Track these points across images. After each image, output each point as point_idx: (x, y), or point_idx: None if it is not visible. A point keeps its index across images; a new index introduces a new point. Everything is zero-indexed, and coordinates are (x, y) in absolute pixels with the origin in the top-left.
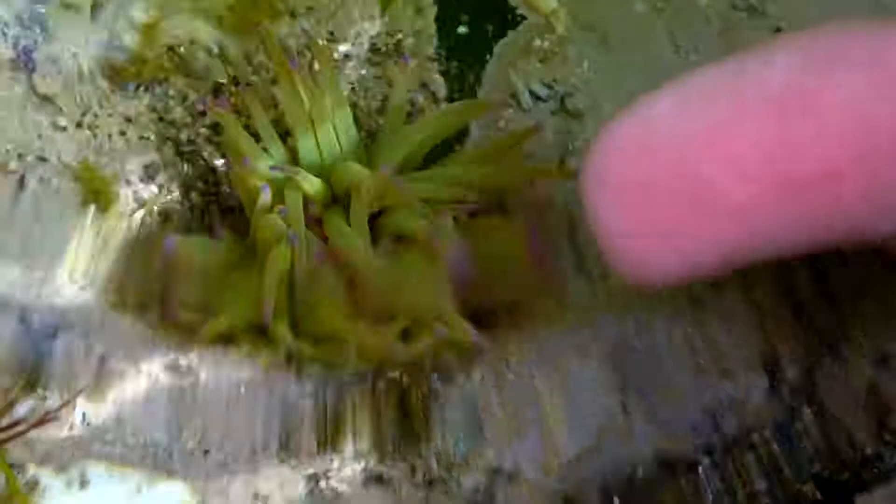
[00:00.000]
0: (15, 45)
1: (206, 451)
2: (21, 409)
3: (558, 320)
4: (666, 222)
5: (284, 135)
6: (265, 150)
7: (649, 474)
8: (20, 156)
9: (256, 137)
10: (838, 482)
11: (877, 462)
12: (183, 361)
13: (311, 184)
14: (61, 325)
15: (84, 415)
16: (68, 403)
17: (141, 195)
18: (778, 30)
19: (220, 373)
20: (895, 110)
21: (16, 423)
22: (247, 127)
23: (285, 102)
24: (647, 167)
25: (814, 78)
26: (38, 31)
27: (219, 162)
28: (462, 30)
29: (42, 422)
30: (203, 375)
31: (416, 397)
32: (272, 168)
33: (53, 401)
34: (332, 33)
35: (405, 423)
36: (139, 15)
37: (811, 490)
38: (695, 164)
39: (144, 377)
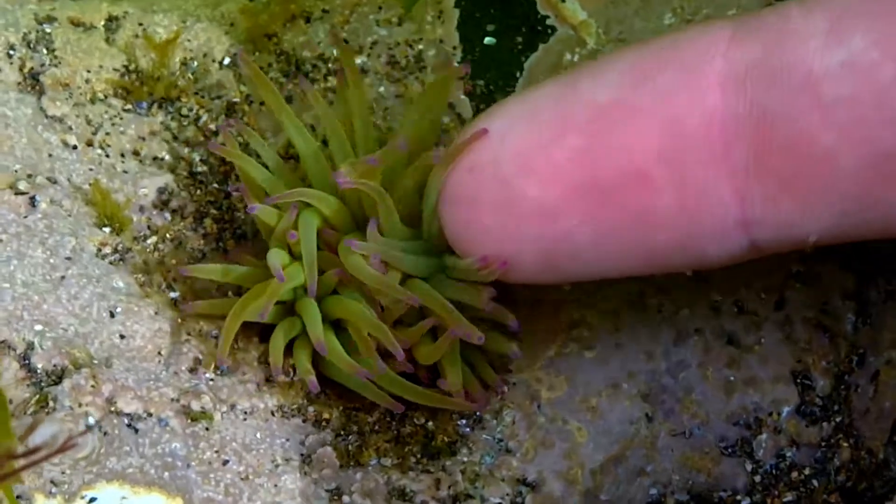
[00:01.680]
0: (21, 68)
1: (226, 462)
2: (41, 436)
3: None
4: (491, 229)
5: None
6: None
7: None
8: (30, 176)
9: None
10: (858, 491)
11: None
12: (196, 405)
13: (328, 204)
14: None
15: (99, 425)
16: (90, 430)
17: (155, 222)
18: None
19: (237, 418)
20: (699, 112)
21: (35, 450)
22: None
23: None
24: (475, 184)
25: (632, 91)
26: (44, 52)
27: (232, 187)
28: (489, 40)
29: (63, 449)
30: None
31: (442, 441)
32: (292, 209)
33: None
34: (346, 41)
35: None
36: (160, 31)
37: (837, 500)
38: (512, 176)
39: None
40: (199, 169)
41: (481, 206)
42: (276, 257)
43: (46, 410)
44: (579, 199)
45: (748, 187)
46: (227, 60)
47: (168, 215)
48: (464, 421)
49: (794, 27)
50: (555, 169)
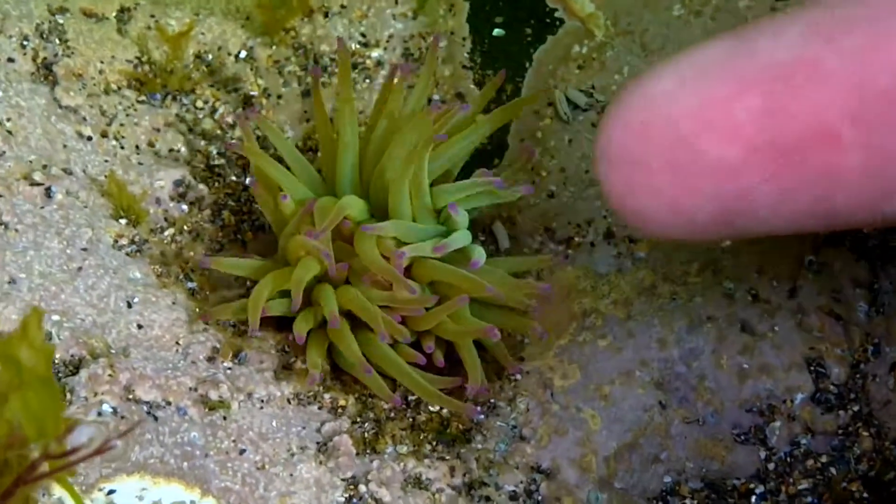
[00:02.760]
0: (34, 58)
1: (243, 451)
2: (80, 436)
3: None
4: (665, 187)
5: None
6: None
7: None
8: (45, 167)
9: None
10: (885, 481)
11: None
12: (214, 395)
13: (353, 205)
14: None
15: (115, 409)
16: (130, 431)
17: (172, 213)
18: None
19: (254, 406)
20: (892, 71)
21: (74, 450)
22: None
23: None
24: (645, 143)
25: (815, 46)
26: (57, 42)
27: (249, 179)
28: (497, 32)
29: (100, 451)
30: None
31: (457, 429)
32: (313, 235)
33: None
34: (363, 35)
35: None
36: (173, 22)
37: (858, 489)
38: (689, 134)
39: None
40: (217, 162)
41: (652, 167)
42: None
43: (64, 403)
44: (761, 157)
45: None
46: (242, 54)
47: (185, 207)
48: (478, 408)
49: None
50: (736, 126)
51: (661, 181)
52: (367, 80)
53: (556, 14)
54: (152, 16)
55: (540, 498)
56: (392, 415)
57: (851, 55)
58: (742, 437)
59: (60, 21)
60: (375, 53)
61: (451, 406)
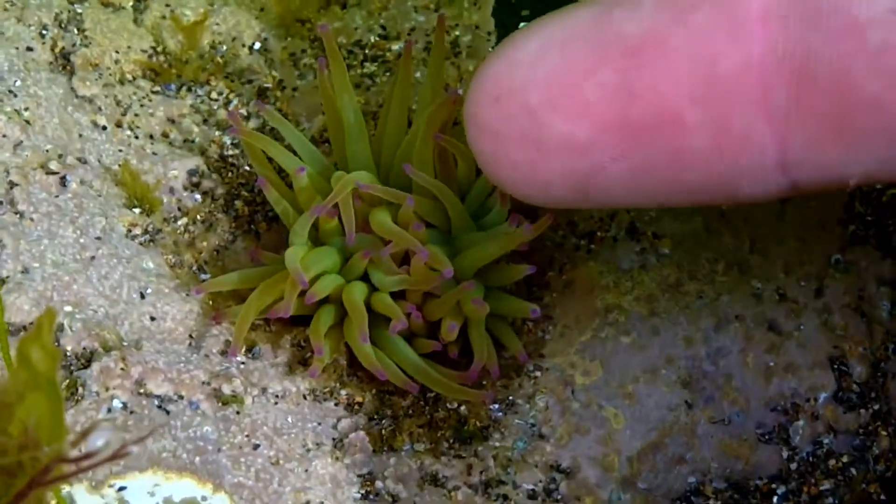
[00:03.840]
0: (53, 47)
1: (257, 446)
2: (96, 439)
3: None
4: (520, 159)
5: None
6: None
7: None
8: (60, 156)
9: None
10: None
11: None
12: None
13: (362, 179)
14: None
15: (126, 404)
16: (148, 437)
17: (185, 203)
18: None
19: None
20: (737, 48)
21: (89, 455)
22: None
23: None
24: (503, 115)
25: (666, 27)
26: (75, 31)
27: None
28: (524, 25)
29: (116, 457)
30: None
31: (475, 426)
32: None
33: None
34: (383, 27)
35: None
36: (188, 12)
37: (876, 491)
38: (541, 108)
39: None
40: (230, 152)
41: (508, 139)
42: (294, 255)
43: (76, 397)
44: (611, 137)
45: (789, 130)
46: (257, 45)
47: (199, 197)
48: (496, 406)
49: None
50: (586, 104)
51: (516, 154)
52: (388, 73)
53: None
54: (168, 5)
55: (559, 497)
56: (410, 411)
57: (697, 34)
58: (766, 437)
59: (79, 10)
60: (396, 46)
61: (464, 396)
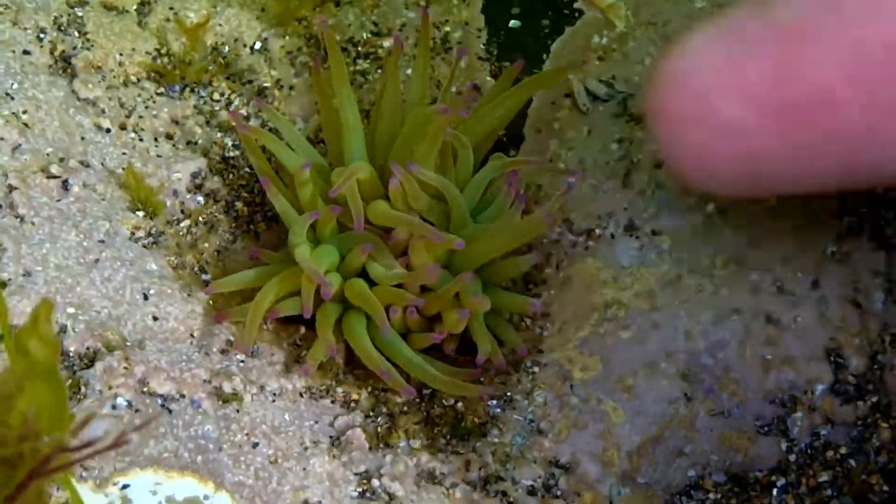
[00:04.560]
0: (52, 51)
1: (256, 445)
2: (96, 429)
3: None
4: (696, 142)
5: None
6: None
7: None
8: (62, 160)
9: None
10: None
11: None
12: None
13: (364, 172)
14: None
15: (130, 402)
16: (145, 426)
17: (188, 206)
18: None
19: (265, 399)
20: (888, 31)
21: (88, 444)
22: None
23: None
24: (679, 99)
25: (819, 8)
26: (76, 35)
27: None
28: (513, 23)
29: (116, 445)
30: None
31: (472, 422)
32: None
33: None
34: (375, 24)
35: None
36: (191, 15)
37: (878, 482)
38: (708, 94)
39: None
40: (231, 154)
41: (687, 123)
42: (306, 254)
43: (79, 396)
44: (771, 118)
45: None
46: (257, 45)
47: (201, 199)
48: (494, 402)
49: None
50: (747, 88)
51: (689, 135)
52: (380, 70)
53: (576, 5)
54: (171, 8)
55: (559, 493)
56: (405, 409)
57: (850, 17)
58: (765, 429)
59: (80, 14)
60: (388, 43)
61: (462, 391)
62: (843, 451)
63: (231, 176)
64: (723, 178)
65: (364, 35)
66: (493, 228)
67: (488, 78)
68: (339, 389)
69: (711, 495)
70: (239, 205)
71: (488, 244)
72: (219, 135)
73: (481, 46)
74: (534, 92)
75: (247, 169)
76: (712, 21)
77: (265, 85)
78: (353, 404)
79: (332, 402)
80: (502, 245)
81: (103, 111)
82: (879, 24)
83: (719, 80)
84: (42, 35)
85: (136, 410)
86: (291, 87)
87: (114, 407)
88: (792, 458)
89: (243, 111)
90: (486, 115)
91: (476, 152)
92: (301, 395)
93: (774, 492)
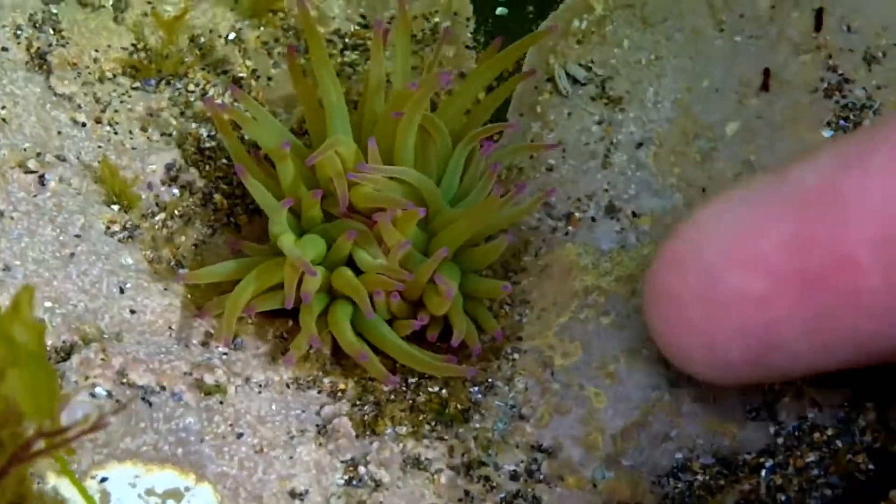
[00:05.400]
0: (28, 48)
1: (240, 435)
2: (74, 413)
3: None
4: (697, 318)
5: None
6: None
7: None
8: (39, 154)
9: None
10: (891, 452)
11: None
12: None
13: (346, 146)
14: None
15: (110, 392)
16: (124, 408)
17: (163, 198)
18: (820, 9)
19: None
20: None
21: (67, 428)
22: None
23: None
24: (680, 277)
25: (842, 174)
26: (51, 32)
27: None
28: (500, 11)
29: (95, 428)
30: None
31: (455, 409)
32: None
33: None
34: (363, 16)
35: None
36: (169, 8)
37: (864, 461)
38: (716, 265)
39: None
40: (207, 145)
41: (685, 300)
42: (290, 243)
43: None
44: (786, 287)
45: None
46: (231, 35)
47: (176, 191)
48: (476, 388)
49: None
50: (760, 256)
51: (694, 315)
52: (368, 62)
53: None
54: (149, 2)
55: (542, 477)
56: (392, 397)
57: (873, 179)
58: (752, 413)
59: (55, 11)
60: None
61: (446, 372)
62: (829, 432)
63: (208, 167)
64: (728, 359)
65: (351, 27)
66: (469, 209)
67: (474, 65)
68: (326, 380)
69: (699, 477)
70: (217, 197)
71: (464, 223)
72: (194, 126)
73: (469, 35)
74: (501, 69)
75: (224, 160)
76: (722, 194)
77: (240, 75)
78: (339, 394)
79: (319, 391)
80: (478, 220)
81: (79, 106)
82: None
83: (727, 252)
84: (19, 32)
85: (117, 401)
86: (270, 78)
87: (93, 395)
88: (780, 441)
89: (219, 101)
90: (458, 96)
91: (461, 133)
92: (288, 386)
93: (763, 472)
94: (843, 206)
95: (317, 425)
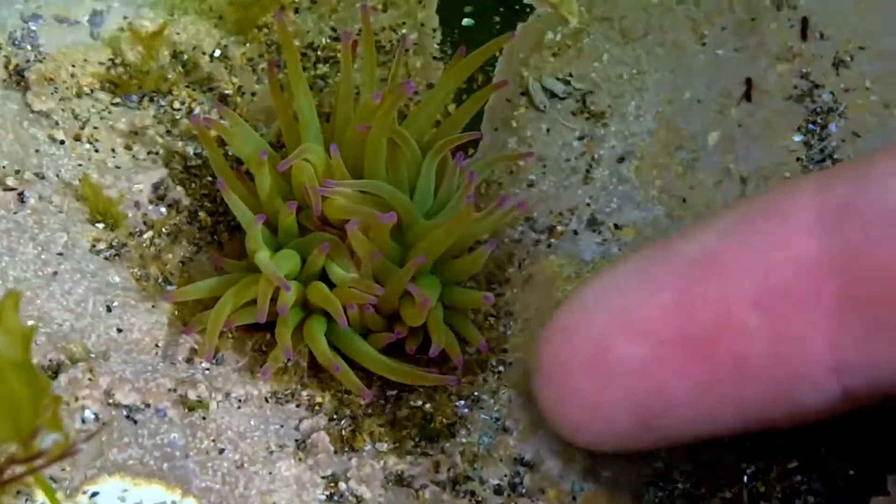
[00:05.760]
0: (6, 65)
1: (222, 451)
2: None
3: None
4: (586, 386)
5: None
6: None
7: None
8: (17, 172)
9: None
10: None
11: None
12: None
13: (317, 154)
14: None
15: (97, 416)
16: (94, 436)
17: (150, 217)
18: (804, 19)
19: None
20: (790, 257)
21: (38, 455)
22: None
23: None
24: (568, 346)
25: (723, 240)
26: (28, 48)
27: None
28: (467, 22)
29: (65, 455)
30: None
31: (441, 423)
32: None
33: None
34: (333, 30)
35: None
36: (146, 23)
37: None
38: (603, 334)
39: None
40: (193, 163)
41: (573, 369)
42: (266, 259)
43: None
44: (671, 353)
45: (839, 330)
46: (217, 53)
47: (164, 210)
48: (462, 402)
49: (878, 169)
50: (645, 323)
51: (581, 383)
52: (339, 74)
53: (526, 0)
54: (125, 17)
55: (524, 491)
56: (369, 411)
57: (756, 246)
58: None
59: (33, 28)
60: None
61: (425, 381)
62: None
63: (193, 185)
64: (616, 427)
65: (323, 40)
66: (444, 220)
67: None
68: (304, 393)
69: (680, 485)
70: (202, 214)
71: (439, 234)
72: (180, 144)
73: (436, 46)
74: (465, 76)
75: (209, 178)
76: (611, 266)
77: (227, 92)
78: (317, 407)
79: (297, 405)
80: (453, 231)
81: (57, 123)
82: (789, 249)
83: (614, 321)
84: None
85: (104, 424)
86: (254, 94)
87: (83, 421)
88: (760, 446)
89: (202, 121)
90: (426, 105)
91: (430, 143)
92: (266, 401)
93: (745, 479)
94: (725, 273)
95: (296, 440)
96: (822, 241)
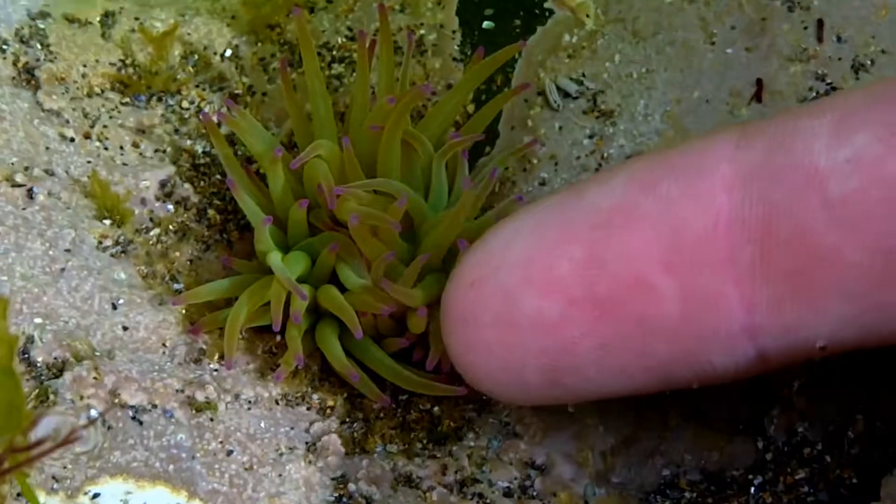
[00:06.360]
0: (15, 62)
1: (230, 452)
2: (43, 429)
3: None
4: (494, 341)
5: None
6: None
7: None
8: (27, 168)
9: None
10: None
11: None
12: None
13: (330, 150)
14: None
15: (104, 420)
16: (93, 423)
17: (157, 214)
18: (820, 20)
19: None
20: (705, 214)
21: (39, 443)
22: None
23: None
24: (477, 299)
25: (634, 192)
26: (38, 47)
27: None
28: (487, 24)
29: (66, 442)
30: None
31: (449, 427)
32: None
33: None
34: (349, 29)
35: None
36: (157, 24)
37: (849, 475)
38: (513, 287)
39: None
40: (202, 161)
41: (483, 322)
42: (279, 262)
43: (46, 404)
44: (580, 310)
45: (754, 291)
46: (228, 52)
47: (171, 207)
48: (470, 405)
49: (799, 127)
50: (555, 279)
51: (490, 337)
52: (354, 74)
53: (546, 5)
54: (137, 18)
55: (535, 493)
56: (381, 414)
57: (666, 201)
58: (740, 427)
59: (42, 26)
60: None
61: (436, 391)
62: (819, 447)
63: (202, 183)
64: (524, 381)
65: (339, 40)
66: (447, 211)
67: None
68: (315, 396)
69: (687, 494)
70: (211, 212)
71: (445, 225)
72: (188, 142)
73: (455, 48)
74: (480, 80)
75: (218, 176)
76: (518, 212)
77: (237, 92)
78: (328, 410)
79: (308, 408)
80: (458, 220)
81: (67, 122)
82: (704, 206)
83: (523, 274)
84: (5, 47)
85: (109, 427)
86: (265, 94)
87: (89, 419)
88: (769, 456)
89: (214, 118)
90: (442, 107)
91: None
92: (277, 403)
93: (752, 490)
94: (636, 230)
95: (306, 442)
96: (740, 201)
